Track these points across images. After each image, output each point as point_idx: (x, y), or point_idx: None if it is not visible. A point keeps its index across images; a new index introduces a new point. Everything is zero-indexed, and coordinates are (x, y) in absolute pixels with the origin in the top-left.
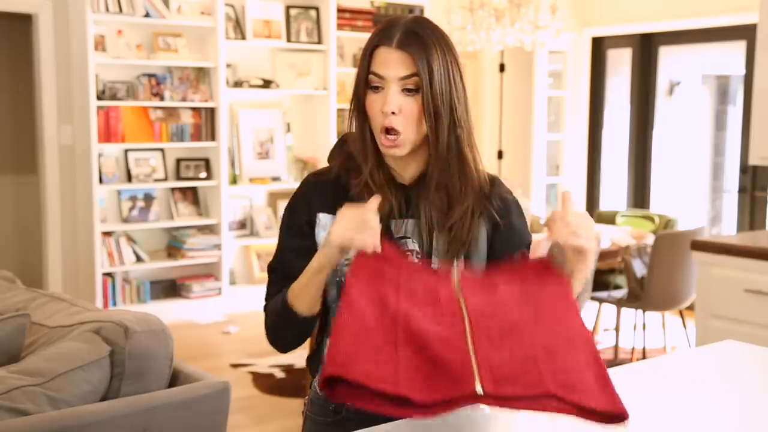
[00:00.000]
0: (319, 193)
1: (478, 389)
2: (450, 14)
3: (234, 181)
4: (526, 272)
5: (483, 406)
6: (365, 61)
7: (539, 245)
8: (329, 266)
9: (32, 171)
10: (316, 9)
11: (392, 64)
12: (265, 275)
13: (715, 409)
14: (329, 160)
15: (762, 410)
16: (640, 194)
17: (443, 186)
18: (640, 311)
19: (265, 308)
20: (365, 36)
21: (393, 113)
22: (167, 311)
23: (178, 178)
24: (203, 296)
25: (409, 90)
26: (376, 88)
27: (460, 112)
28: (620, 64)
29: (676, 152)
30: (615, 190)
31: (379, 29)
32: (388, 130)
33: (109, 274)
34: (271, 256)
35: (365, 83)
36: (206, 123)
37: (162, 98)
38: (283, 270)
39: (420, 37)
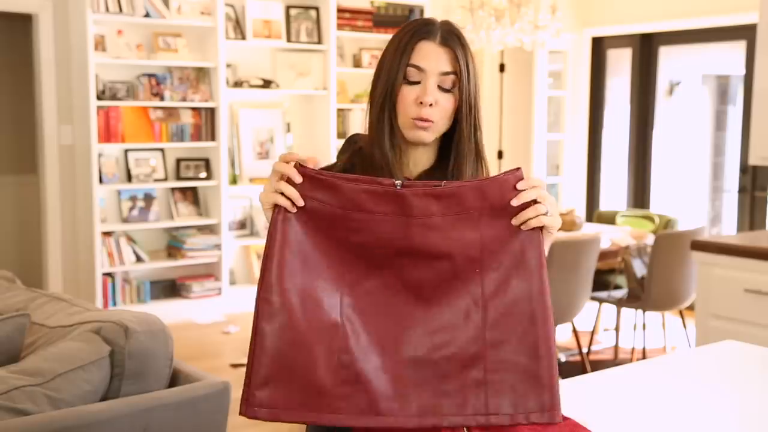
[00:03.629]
0: None
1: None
2: (450, 14)
3: (234, 181)
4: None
5: None
6: (404, 55)
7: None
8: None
9: (32, 171)
10: (316, 9)
11: (435, 58)
12: None
13: (715, 409)
14: (338, 156)
15: (762, 410)
16: (640, 194)
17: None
18: (640, 311)
19: None
20: (365, 36)
21: (430, 105)
22: (167, 311)
23: (178, 178)
24: (203, 296)
25: (443, 89)
26: (413, 82)
27: (480, 116)
28: (620, 64)
29: (676, 152)
30: (615, 190)
31: (414, 26)
32: (423, 120)
33: (109, 274)
34: None
35: (402, 77)
36: (206, 123)
37: (162, 98)
38: None
39: (460, 38)
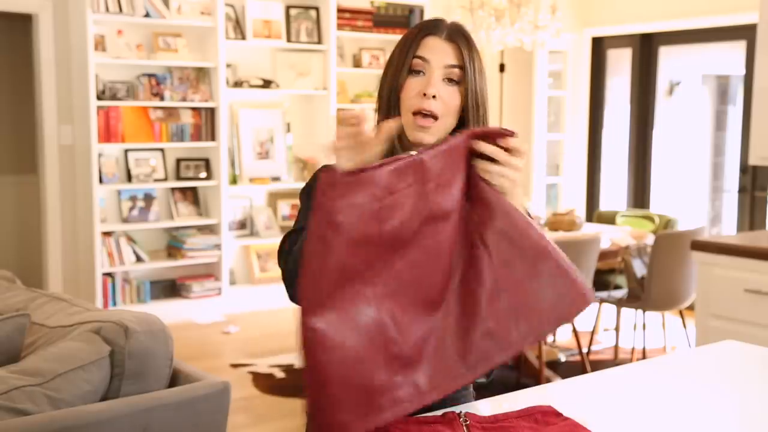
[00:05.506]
0: None
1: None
2: (450, 14)
3: (234, 181)
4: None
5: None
6: (411, 48)
7: None
8: None
9: (32, 171)
10: (316, 9)
11: (440, 51)
12: (266, 275)
13: (715, 409)
14: None
15: (762, 410)
16: (640, 194)
17: None
18: (640, 311)
19: (284, 252)
20: (365, 36)
21: (434, 97)
22: (167, 311)
23: (178, 178)
24: (203, 296)
25: (450, 80)
26: (417, 73)
27: (487, 114)
28: (620, 64)
29: (676, 152)
30: (615, 190)
31: (422, 24)
32: (425, 113)
33: (109, 274)
34: (271, 257)
35: (407, 69)
36: (206, 123)
37: (162, 98)
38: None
39: (466, 36)
